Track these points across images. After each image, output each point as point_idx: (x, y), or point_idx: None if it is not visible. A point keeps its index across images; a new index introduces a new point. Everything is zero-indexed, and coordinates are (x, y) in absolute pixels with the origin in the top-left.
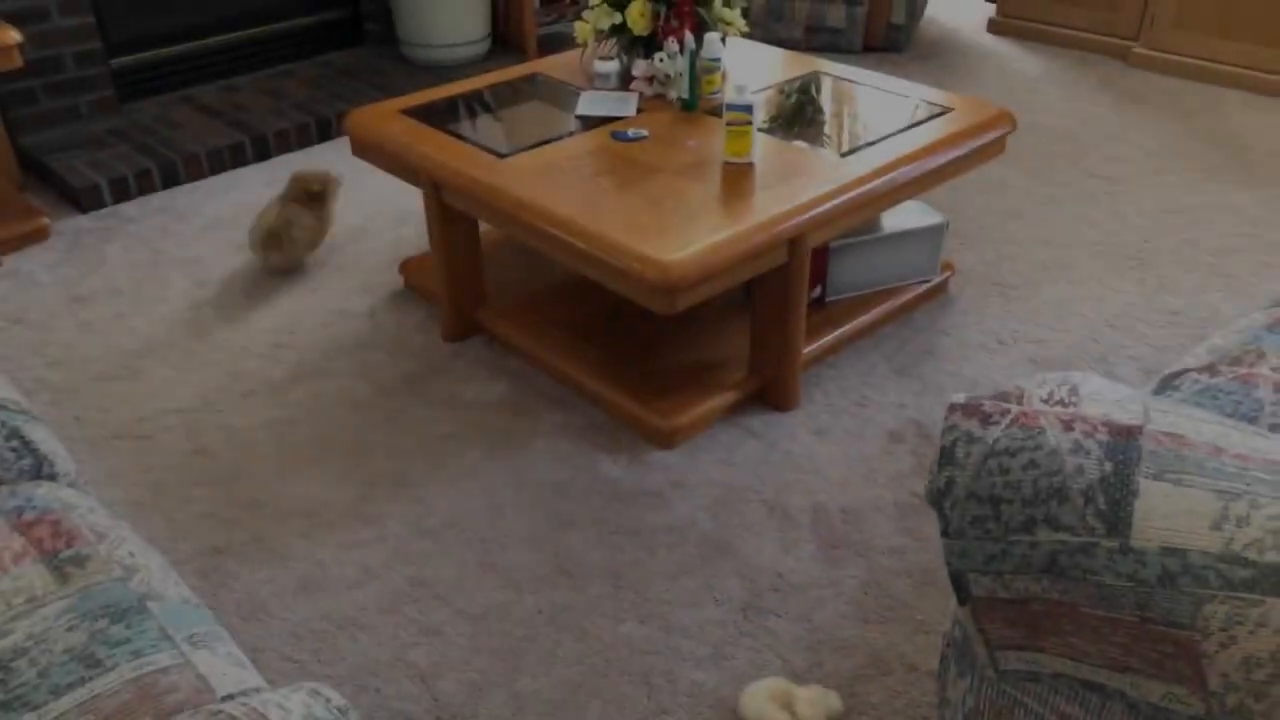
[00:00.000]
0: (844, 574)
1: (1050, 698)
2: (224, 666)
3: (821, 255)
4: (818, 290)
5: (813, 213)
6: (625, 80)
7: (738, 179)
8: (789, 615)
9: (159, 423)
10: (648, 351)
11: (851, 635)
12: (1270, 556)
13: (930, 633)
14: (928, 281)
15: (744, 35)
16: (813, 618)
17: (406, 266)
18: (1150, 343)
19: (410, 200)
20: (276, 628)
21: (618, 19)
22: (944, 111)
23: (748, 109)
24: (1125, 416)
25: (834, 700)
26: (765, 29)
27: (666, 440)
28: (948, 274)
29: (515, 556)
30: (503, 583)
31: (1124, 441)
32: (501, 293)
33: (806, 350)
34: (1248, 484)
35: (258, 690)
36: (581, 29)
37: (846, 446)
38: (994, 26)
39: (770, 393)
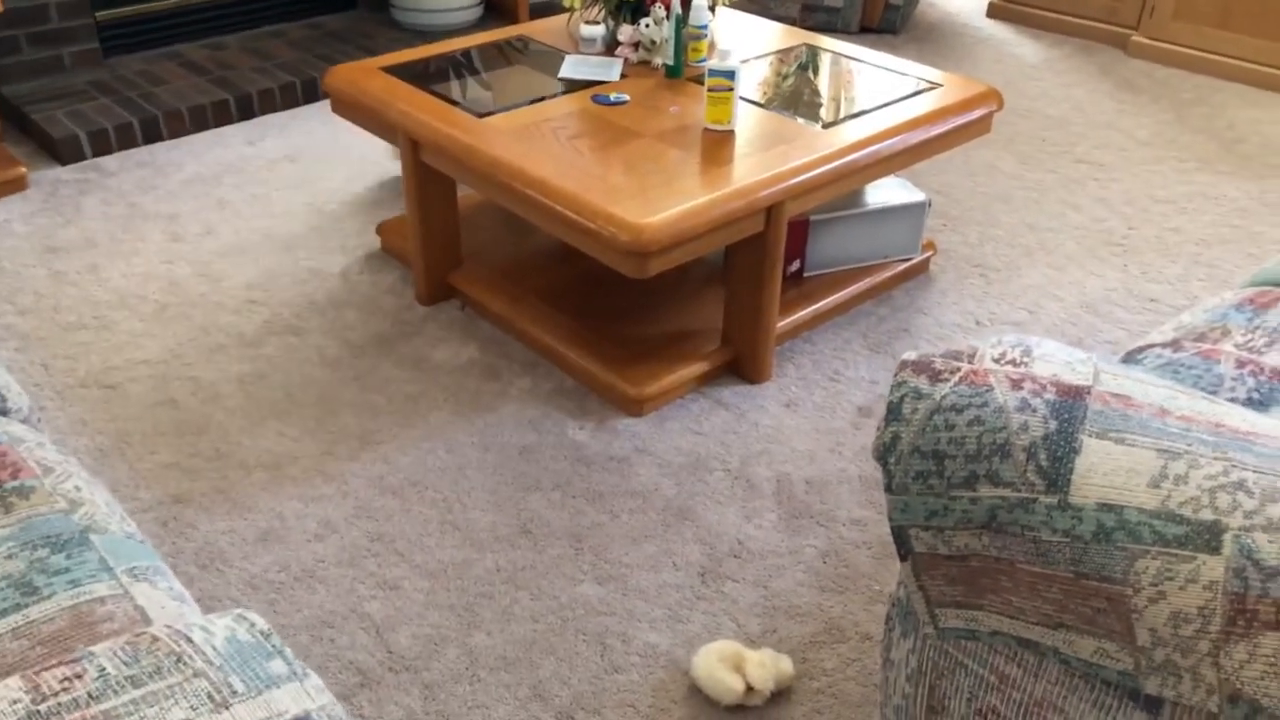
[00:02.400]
0: (804, 543)
1: (989, 657)
2: (163, 599)
3: (801, 229)
4: (796, 264)
5: (791, 181)
6: (611, 45)
7: (717, 146)
8: (746, 581)
9: (127, 373)
10: (621, 320)
11: (808, 603)
12: (1204, 514)
13: (886, 603)
14: (908, 260)
15: (732, 7)
16: (770, 584)
17: (383, 228)
18: (1127, 328)
19: (392, 164)
20: (234, 577)
21: None
22: (931, 88)
23: (730, 75)
24: (1074, 377)
25: (785, 664)
26: (763, 6)
27: (635, 408)
28: (929, 254)
29: (477, 516)
30: (463, 541)
31: (1070, 400)
32: (478, 257)
33: (782, 324)
34: (1189, 444)
35: None
36: None
37: (815, 420)
38: (994, 11)
39: (742, 364)
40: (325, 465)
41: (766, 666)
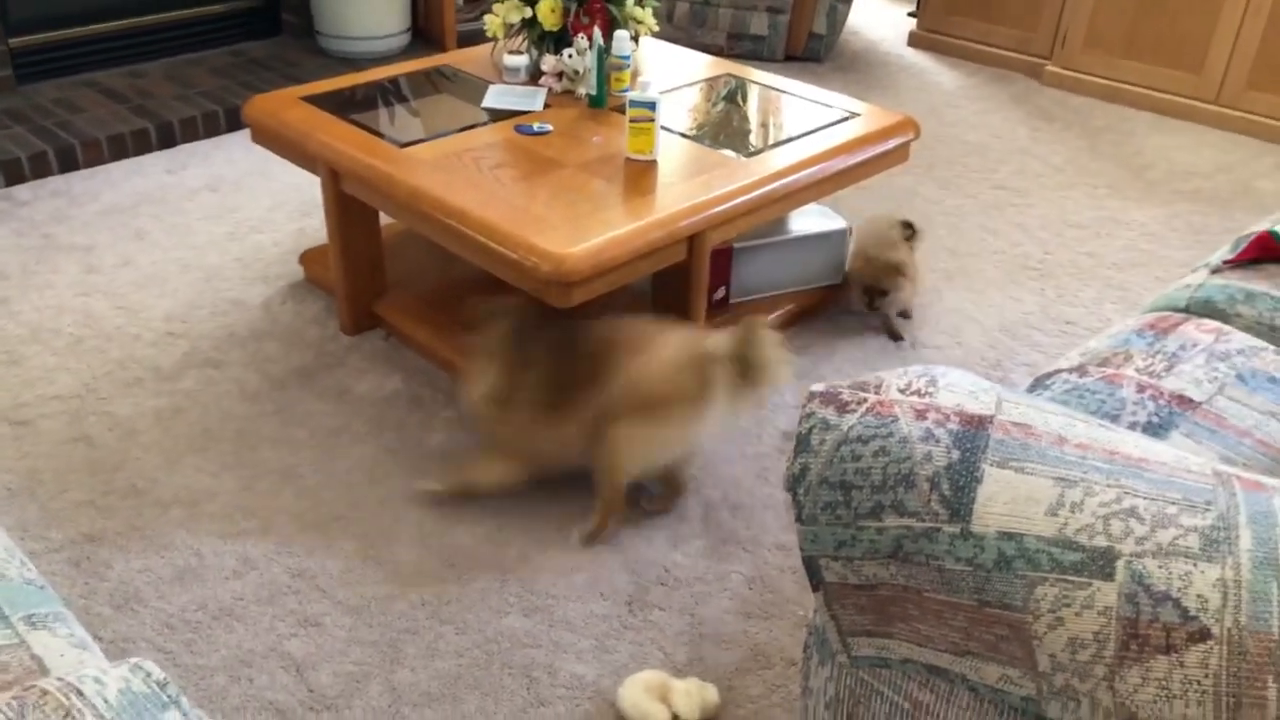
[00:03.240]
0: (730, 569)
1: (902, 684)
2: (63, 647)
3: (725, 256)
4: (721, 291)
5: (713, 210)
6: (535, 75)
7: (639, 176)
8: (673, 609)
9: (39, 409)
10: None
11: (734, 630)
12: (1099, 540)
13: None
14: (832, 285)
15: (654, 34)
16: (696, 612)
17: (306, 257)
18: (1044, 350)
19: (316, 192)
20: (149, 618)
21: (528, 13)
22: (850, 117)
23: (651, 105)
24: (977, 407)
25: (710, 693)
26: (688, 34)
27: None
28: None
29: (402, 551)
30: (387, 576)
31: (973, 430)
32: (403, 285)
33: None
34: (1085, 472)
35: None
36: (492, 23)
37: (741, 446)
38: (914, 40)
39: None
40: (245, 501)
41: (692, 695)
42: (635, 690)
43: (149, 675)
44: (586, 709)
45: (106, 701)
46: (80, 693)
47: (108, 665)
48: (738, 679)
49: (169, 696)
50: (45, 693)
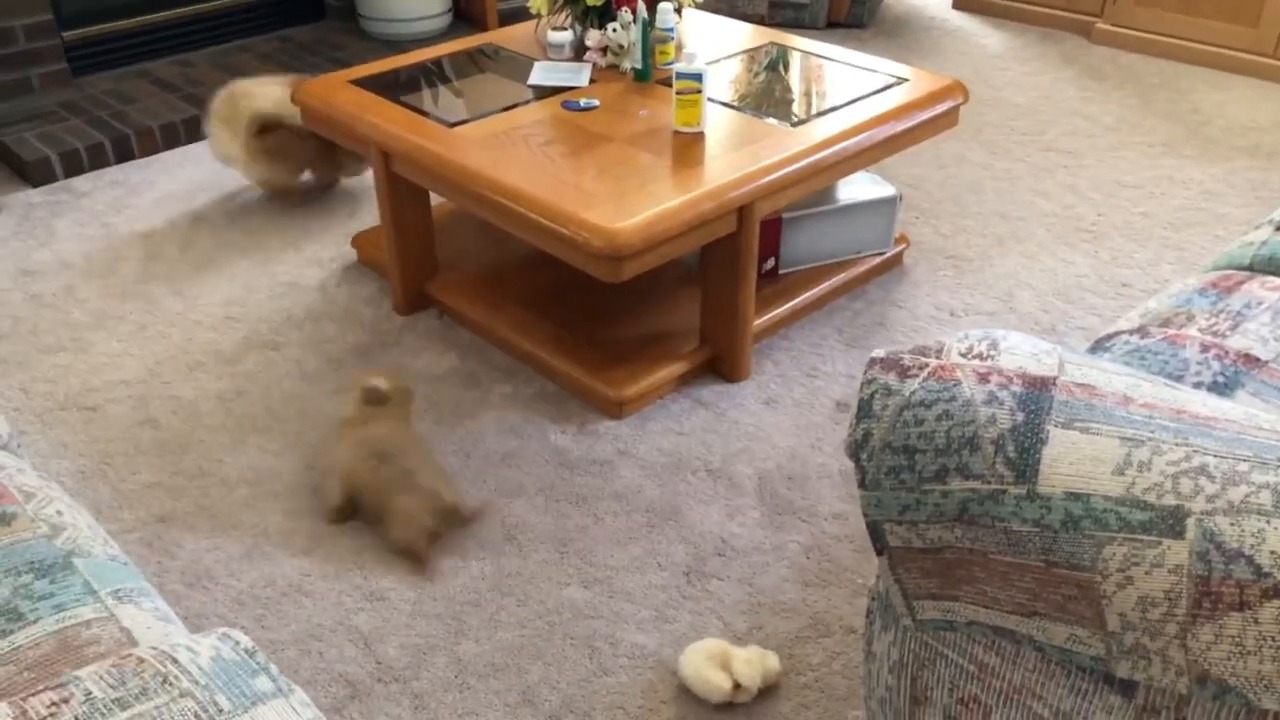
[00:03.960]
0: (787, 539)
1: (968, 646)
2: (149, 620)
3: (774, 227)
4: (770, 262)
5: (761, 181)
6: (579, 51)
7: (687, 148)
8: (731, 579)
9: (107, 394)
10: (599, 323)
11: (792, 598)
12: (1168, 499)
13: (869, 596)
14: (881, 254)
15: (699, 7)
16: (755, 581)
17: (359, 239)
18: (1099, 313)
19: (365, 174)
20: (220, 595)
21: None
22: (897, 83)
23: (698, 78)
24: (1040, 369)
25: (771, 660)
26: (730, 4)
27: (616, 410)
28: (902, 247)
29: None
30: (448, 550)
31: (1036, 392)
32: (454, 265)
33: (759, 322)
34: (1152, 431)
35: None
36: (535, 0)
37: (795, 416)
38: (959, 3)
39: (721, 363)
40: (308, 479)
41: (753, 663)
42: (697, 658)
43: (238, 644)
44: (648, 678)
45: (200, 668)
46: (175, 660)
47: (197, 636)
48: (798, 647)
49: (258, 664)
50: (142, 660)
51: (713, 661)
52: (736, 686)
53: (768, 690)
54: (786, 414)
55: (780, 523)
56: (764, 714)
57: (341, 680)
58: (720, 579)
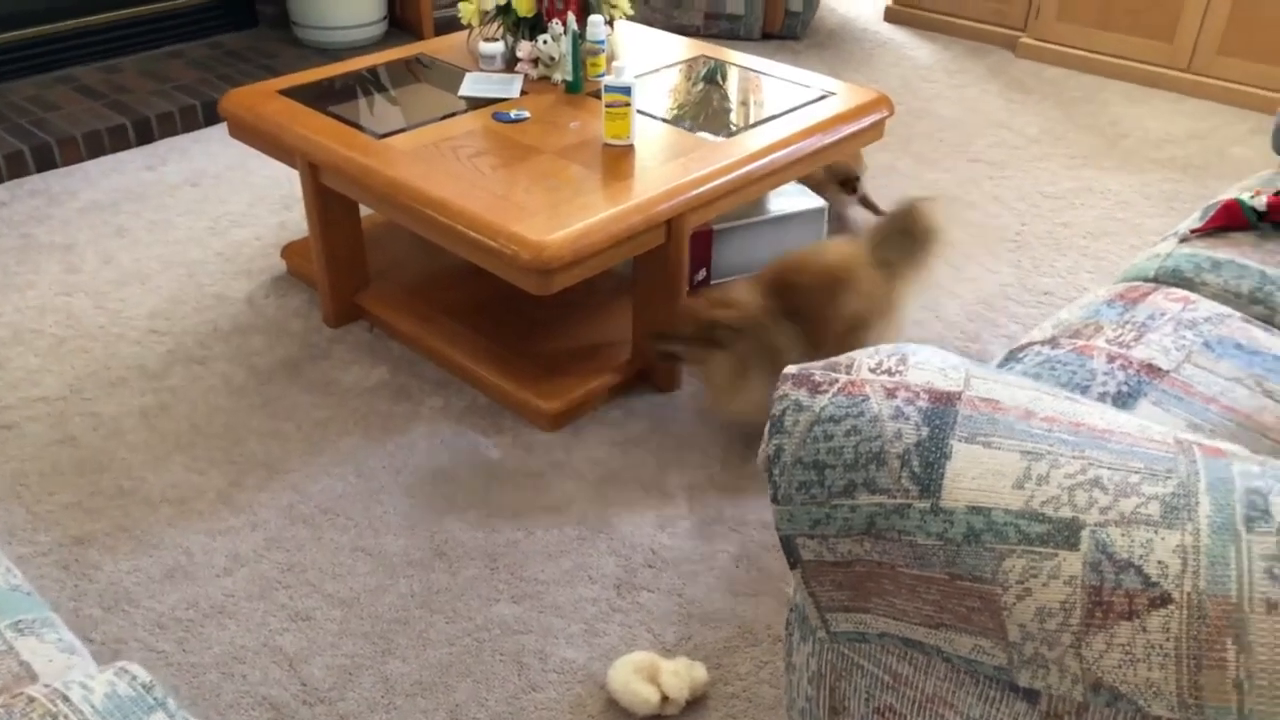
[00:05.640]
0: (717, 549)
1: (881, 657)
2: (51, 653)
3: (705, 238)
4: (703, 273)
5: (690, 194)
6: (511, 62)
7: (617, 161)
8: (661, 590)
9: (23, 411)
10: (532, 335)
11: (721, 608)
12: (1064, 512)
13: None
14: None
15: (629, 17)
16: (684, 592)
17: (288, 251)
18: (1021, 322)
19: (296, 185)
20: (140, 618)
21: (503, 0)
22: (825, 96)
23: (626, 90)
24: (946, 384)
25: (699, 671)
26: (665, 15)
27: (549, 422)
28: None
29: (390, 541)
30: (376, 567)
31: (941, 407)
32: (385, 276)
33: None
34: (1051, 445)
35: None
36: (466, 10)
37: (727, 426)
38: (890, 15)
39: (653, 374)
40: (233, 497)
41: (681, 675)
42: (625, 672)
43: (135, 678)
44: (578, 692)
45: (93, 706)
46: (67, 698)
47: (95, 670)
48: (726, 657)
49: (155, 699)
50: (32, 700)
51: (640, 674)
52: (664, 699)
53: (696, 702)
54: (717, 424)
55: (711, 532)
56: None
57: (265, 703)
58: (650, 590)
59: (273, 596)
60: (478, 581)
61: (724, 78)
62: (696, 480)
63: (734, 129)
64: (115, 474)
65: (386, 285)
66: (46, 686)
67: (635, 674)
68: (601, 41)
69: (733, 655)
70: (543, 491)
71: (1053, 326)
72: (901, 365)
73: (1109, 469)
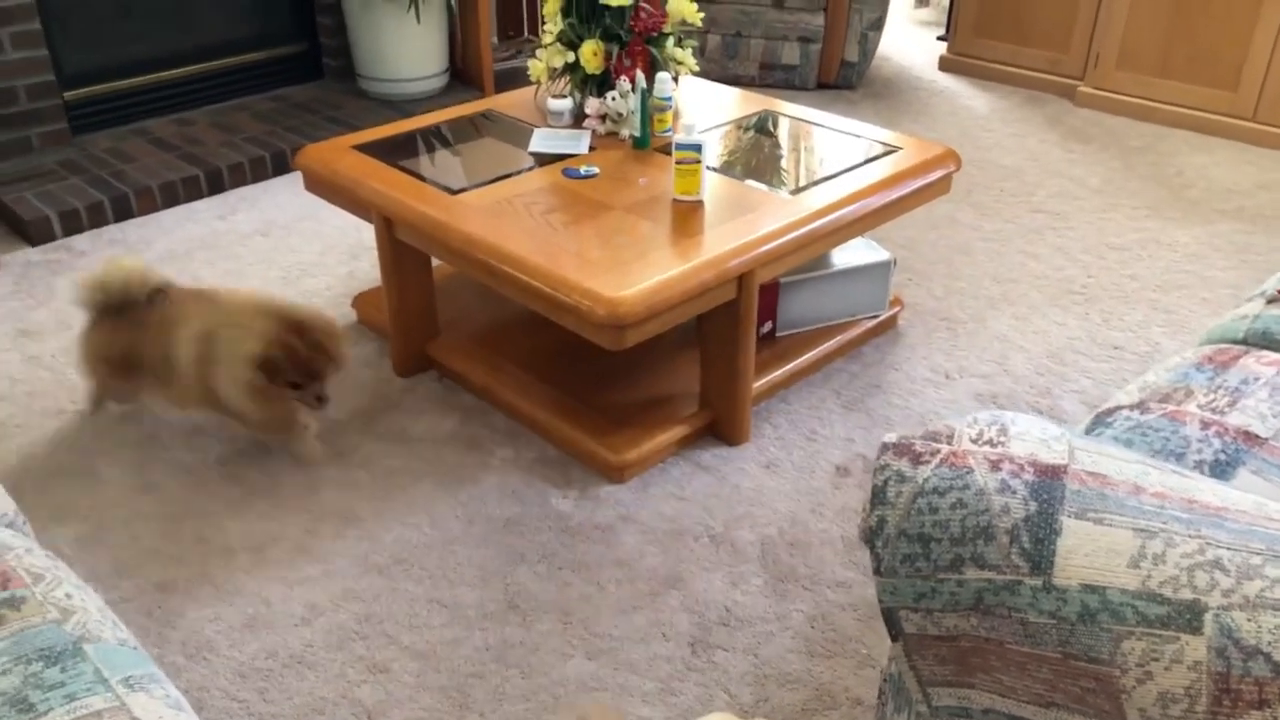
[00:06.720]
0: (791, 608)
1: None
2: (160, 709)
3: (771, 291)
4: (768, 325)
5: (761, 249)
6: (578, 118)
7: (687, 216)
8: (736, 650)
9: (107, 458)
10: (600, 386)
11: (798, 669)
12: (1184, 594)
13: (875, 667)
14: (876, 317)
15: (695, 74)
16: (760, 652)
17: (359, 301)
18: (1092, 376)
19: (365, 234)
20: (221, 666)
21: (571, 57)
22: (891, 150)
23: (697, 148)
24: (1051, 456)
25: None
26: (721, 66)
27: (617, 474)
28: (896, 309)
29: (464, 593)
30: (451, 619)
31: (1049, 481)
32: (455, 326)
33: (758, 384)
34: (1164, 522)
35: None
36: (535, 67)
37: (795, 480)
38: (945, 64)
39: (720, 427)
40: (309, 545)
41: None
42: None
43: None
44: None
45: None
46: None
47: None
48: (804, 719)
49: None
50: None
51: None
52: None
53: None
54: (786, 478)
55: (784, 590)
56: None
57: None
58: (725, 649)
59: (350, 647)
60: (551, 636)
61: (789, 132)
62: (767, 535)
63: (801, 184)
64: (195, 522)
65: (455, 335)
66: None
67: None
68: (669, 98)
69: (811, 718)
70: (613, 545)
71: (1139, 390)
72: (1003, 436)
73: (1229, 549)
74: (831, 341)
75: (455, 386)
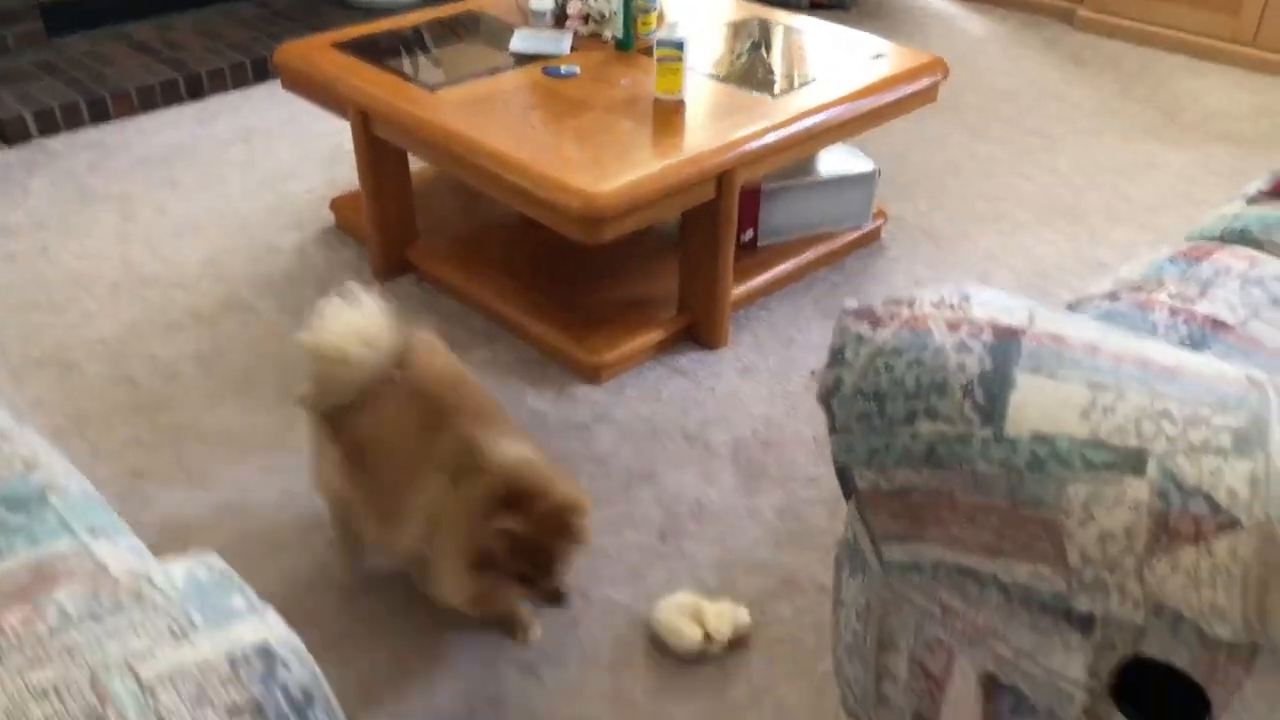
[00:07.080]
0: (761, 502)
1: (933, 589)
2: (123, 555)
3: (753, 198)
4: (749, 233)
5: (742, 149)
6: (560, 18)
7: (668, 116)
8: (705, 539)
9: (83, 352)
10: (579, 289)
11: (765, 558)
12: (1131, 441)
13: None
14: (859, 228)
15: None
16: (727, 542)
17: (337, 204)
18: (1076, 292)
19: (345, 140)
20: (194, 549)
21: None
22: (876, 57)
23: (679, 45)
24: (1010, 319)
25: (742, 614)
26: None
27: (594, 375)
28: (880, 221)
29: None
30: None
31: (1006, 341)
32: (433, 231)
33: (737, 292)
34: (1118, 379)
35: None
36: None
37: (771, 384)
38: None
39: (699, 331)
40: (285, 437)
41: (724, 616)
42: (669, 611)
43: (212, 566)
44: (621, 629)
45: (175, 587)
46: (150, 580)
47: (172, 560)
48: (769, 603)
49: (233, 583)
50: (116, 580)
51: (685, 613)
52: (707, 638)
53: (738, 643)
54: (762, 382)
55: (754, 487)
56: (735, 666)
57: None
58: (694, 539)
59: (324, 530)
60: None
61: (775, 37)
62: (740, 436)
63: (785, 88)
64: (172, 414)
65: (434, 240)
66: (129, 571)
67: (679, 613)
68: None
69: (776, 602)
70: (589, 442)
71: (1112, 282)
72: (964, 302)
73: (1179, 402)
74: (813, 251)
75: (434, 290)
